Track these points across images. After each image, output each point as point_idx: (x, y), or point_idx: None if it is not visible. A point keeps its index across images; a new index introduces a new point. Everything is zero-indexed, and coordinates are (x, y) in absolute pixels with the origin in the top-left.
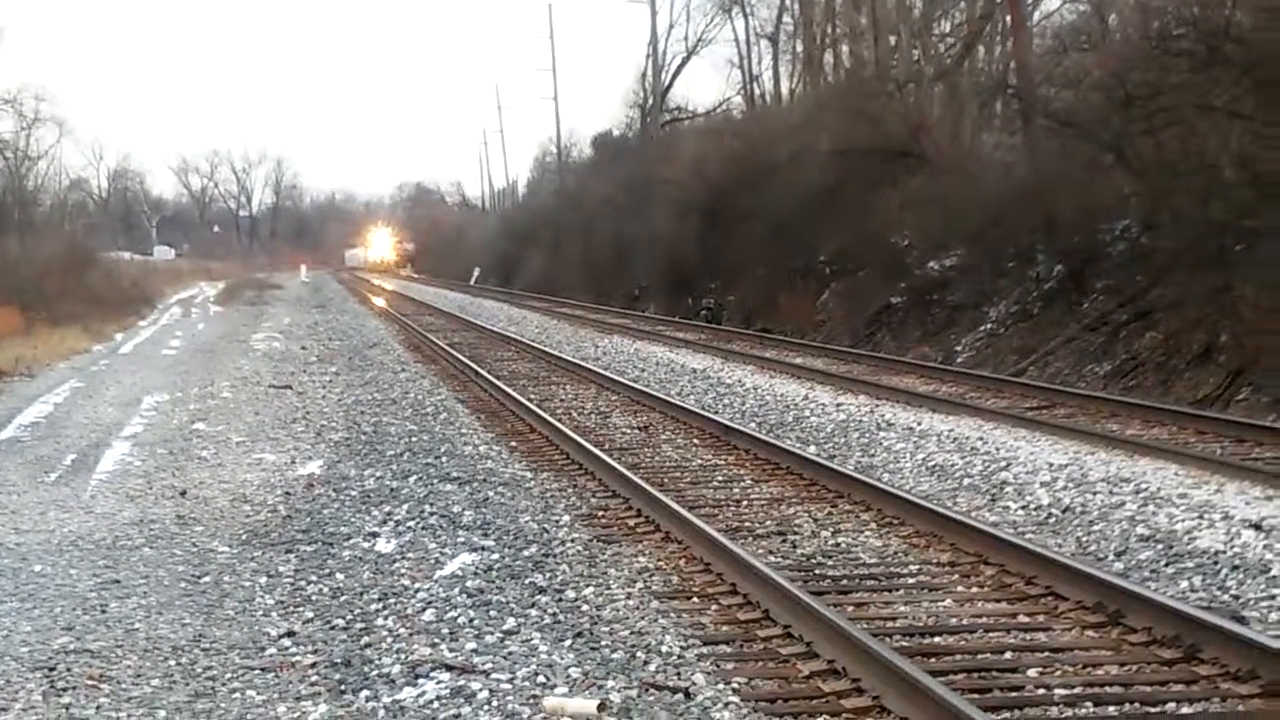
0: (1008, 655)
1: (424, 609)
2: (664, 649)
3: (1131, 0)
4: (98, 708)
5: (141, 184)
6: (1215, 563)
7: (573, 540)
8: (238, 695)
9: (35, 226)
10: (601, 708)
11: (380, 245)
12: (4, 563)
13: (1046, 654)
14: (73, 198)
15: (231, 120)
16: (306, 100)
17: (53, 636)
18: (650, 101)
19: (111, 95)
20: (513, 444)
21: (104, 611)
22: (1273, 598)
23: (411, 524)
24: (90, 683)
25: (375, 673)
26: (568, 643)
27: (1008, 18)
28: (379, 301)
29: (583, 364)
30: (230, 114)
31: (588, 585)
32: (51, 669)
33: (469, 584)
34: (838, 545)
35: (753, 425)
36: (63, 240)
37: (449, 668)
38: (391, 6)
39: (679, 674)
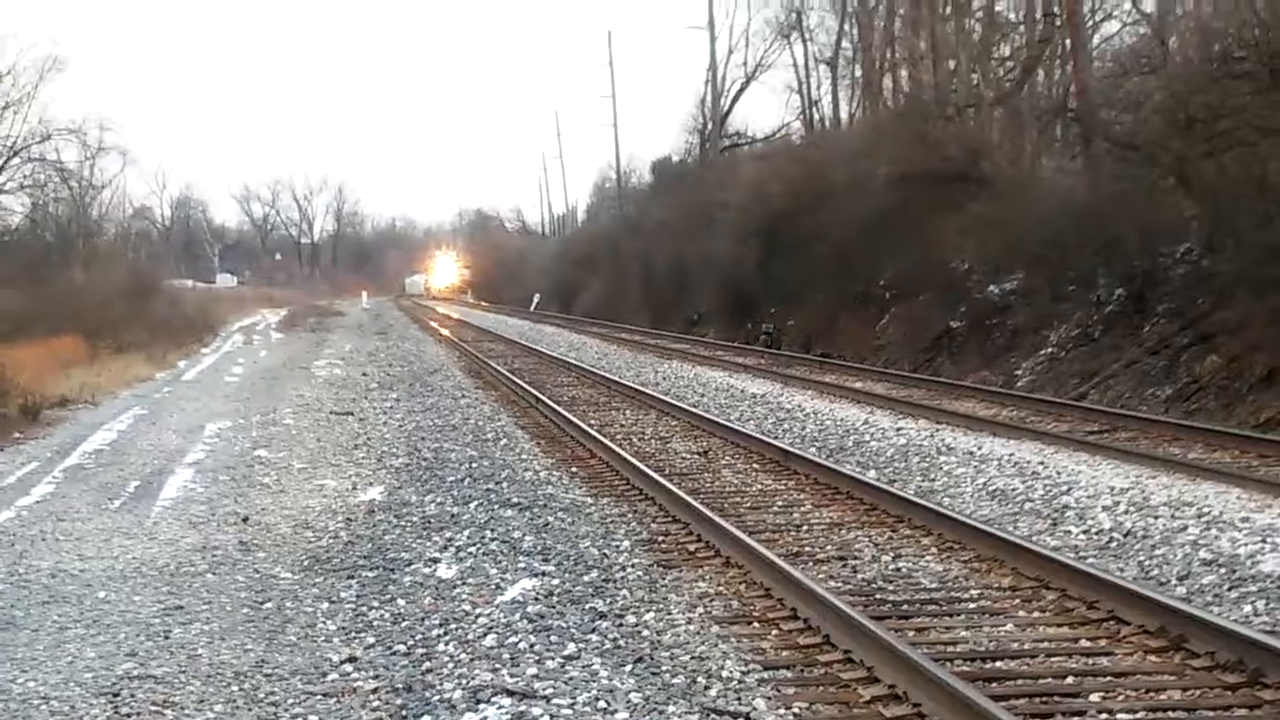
0: (1070, 680)
1: (485, 634)
2: (725, 674)
3: (1192, 23)
4: None
5: (204, 212)
6: (1279, 586)
7: (633, 565)
8: None
9: (99, 255)
10: None
11: (444, 270)
12: (69, 589)
13: (1109, 679)
14: (136, 226)
15: (293, 148)
16: (367, 128)
17: (117, 662)
18: (710, 127)
19: (174, 124)
20: (573, 469)
21: (167, 637)
22: None
23: (472, 549)
24: (154, 709)
25: (437, 698)
26: (628, 668)
27: (1067, 41)
28: (439, 328)
29: (642, 389)
30: (292, 142)
31: (648, 610)
32: (116, 695)
33: (530, 609)
34: (898, 570)
35: (813, 450)
36: (126, 268)
37: (510, 693)
38: (452, 34)
39: (740, 699)
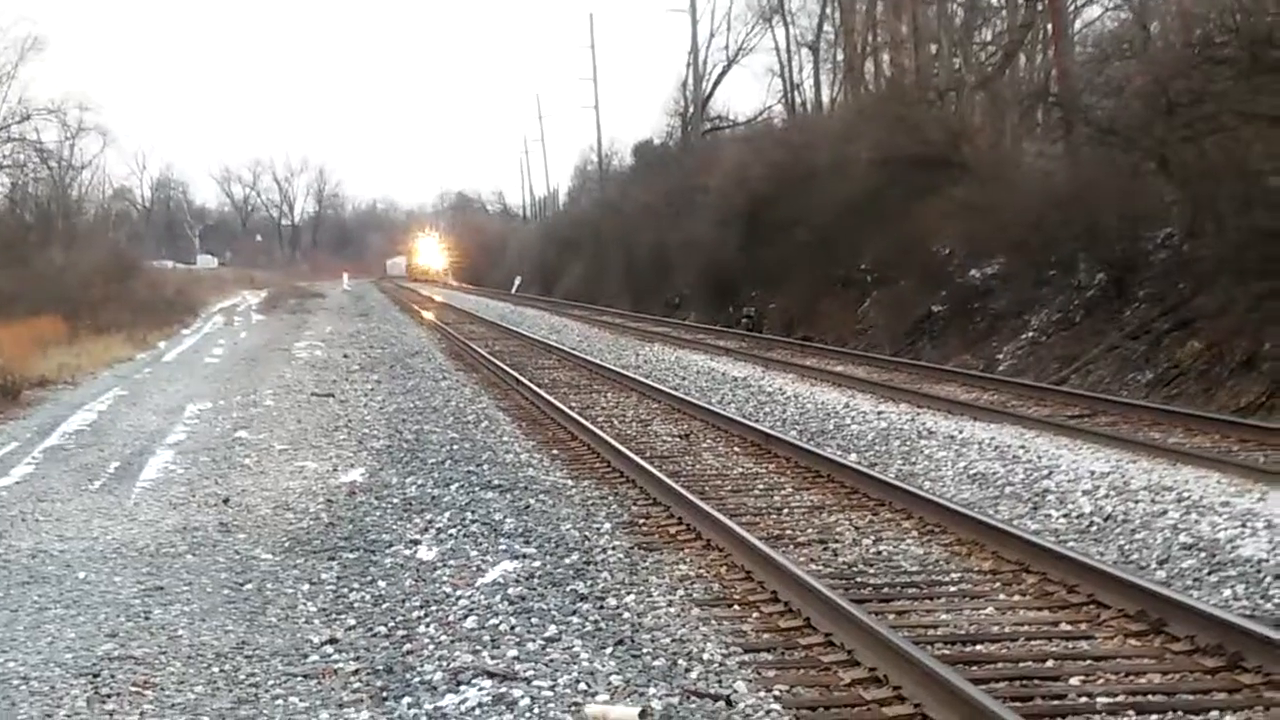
0: (1050, 664)
1: (466, 616)
2: (705, 656)
3: (1174, 8)
4: (141, 714)
5: (184, 193)
6: (1258, 571)
7: (614, 548)
8: (280, 702)
9: (79, 236)
10: (643, 715)
11: (427, 252)
12: (49, 570)
13: (1089, 662)
14: (116, 207)
15: (274, 129)
16: (349, 109)
17: (97, 643)
18: (691, 110)
19: (154, 105)
20: (554, 452)
21: (147, 618)
22: None
23: (453, 531)
24: (134, 689)
25: (417, 680)
26: (609, 650)
27: (1049, 26)
28: (421, 310)
29: (624, 372)
30: (272, 123)
31: (629, 593)
32: (95, 675)
33: (510, 591)
34: (879, 553)
35: (794, 433)
36: (106, 249)
37: (491, 675)
38: (434, 15)
39: (720, 681)
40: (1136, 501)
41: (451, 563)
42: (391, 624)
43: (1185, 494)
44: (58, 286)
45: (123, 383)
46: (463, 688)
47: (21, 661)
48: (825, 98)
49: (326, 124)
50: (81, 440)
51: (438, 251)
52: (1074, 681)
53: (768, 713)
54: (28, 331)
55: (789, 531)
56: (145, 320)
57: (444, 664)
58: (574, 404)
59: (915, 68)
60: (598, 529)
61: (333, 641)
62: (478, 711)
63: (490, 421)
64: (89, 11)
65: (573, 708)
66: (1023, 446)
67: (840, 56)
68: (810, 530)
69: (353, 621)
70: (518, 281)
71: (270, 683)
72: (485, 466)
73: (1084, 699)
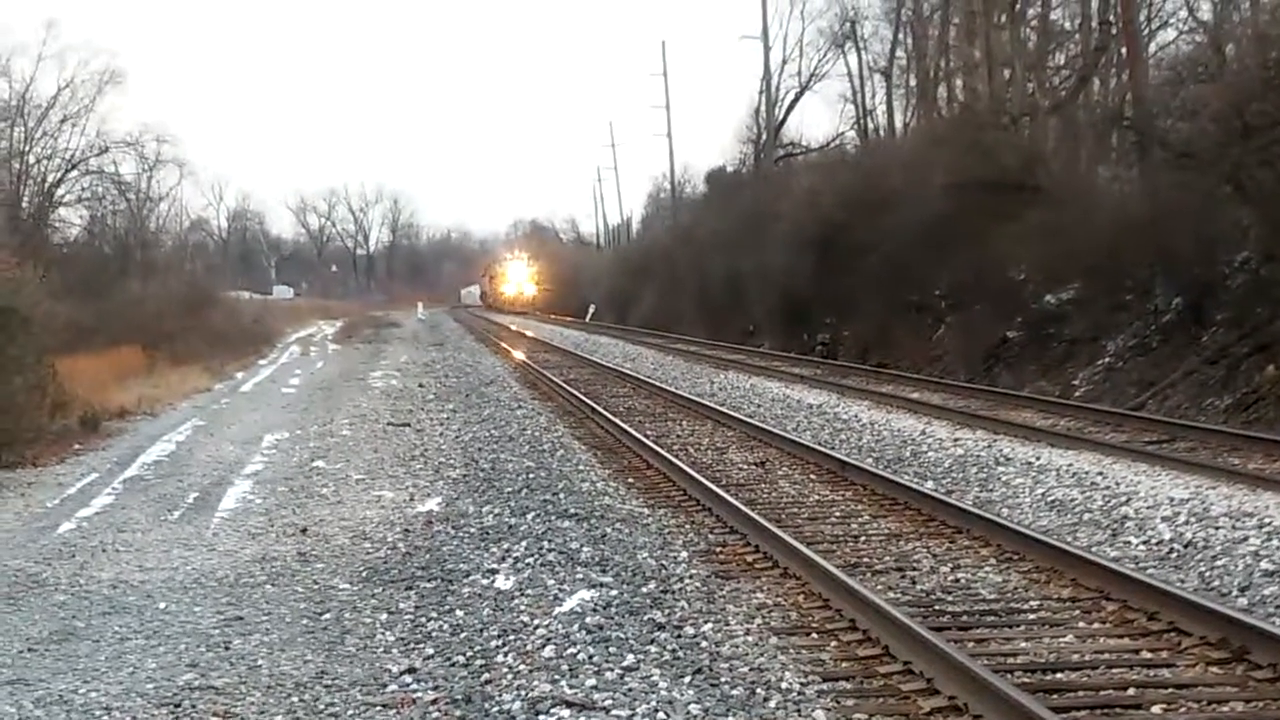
0: (1131, 692)
1: (543, 645)
2: (784, 685)
3: (1249, 30)
4: None
5: (260, 224)
6: None
7: (691, 576)
8: None
9: (157, 267)
10: None
11: (516, 277)
12: (130, 600)
13: (1170, 690)
14: (193, 238)
15: (349, 160)
16: (423, 139)
17: (178, 673)
18: (764, 137)
19: (231, 136)
20: (629, 480)
21: (227, 648)
22: None
23: (530, 560)
24: (215, 719)
25: (496, 709)
26: (687, 679)
27: (1123, 49)
28: (495, 339)
29: (699, 400)
30: (348, 154)
31: (706, 621)
32: (177, 705)
33: (588, 620)
34: (957, 581)
35: (870, 461)
36: (184, 280)
37: (569, 704)
38: (507, 45)
39: (799, 711)
40: (1217, 528)
41: (529, 592)
42: (470, 653)
43: (1267, 520)
44: (136, 318)
45: (201, 413)
46: (541, 717)
47: (104, 692)
48: (898, 123)
49: (401, 154)
50: (160, 471)
51: (527, 277)
52: (1156, 710)
53: None
54: (107, 363)
55: (866, 559)
56: (222, 351)
57: (522, 693)
58: (649, 432)
59: (988, 92)
60: (674, 557)
61: (411, 671)
62: None
63: (566, 450)
64: (167, 44)
65: None
66: (1100, 473)
67: (913, 82)
68: (888, 558)
69: (431, 651)
70: (592, 309)
71: (349, 712)
72: (561, 495)
73: None
